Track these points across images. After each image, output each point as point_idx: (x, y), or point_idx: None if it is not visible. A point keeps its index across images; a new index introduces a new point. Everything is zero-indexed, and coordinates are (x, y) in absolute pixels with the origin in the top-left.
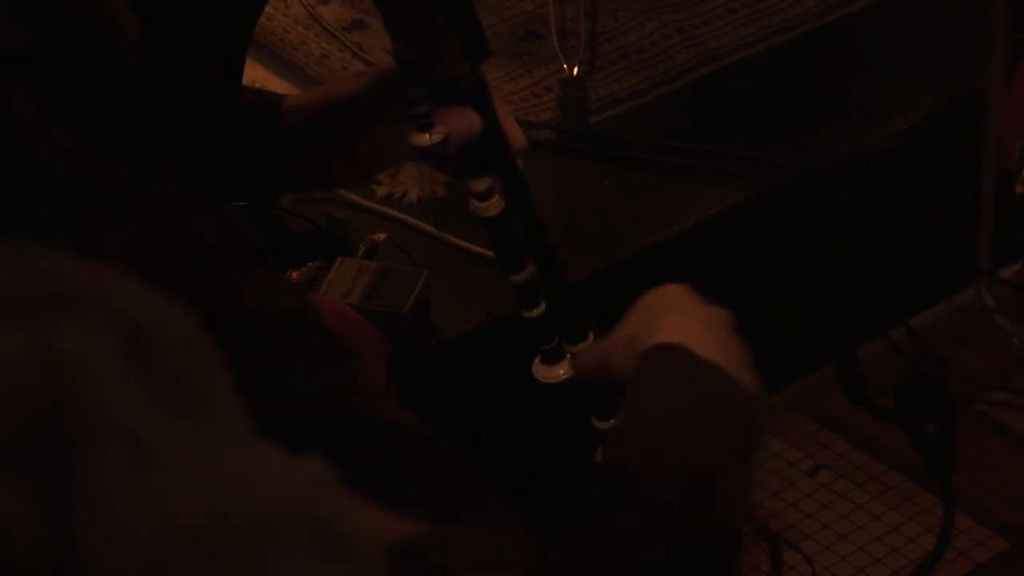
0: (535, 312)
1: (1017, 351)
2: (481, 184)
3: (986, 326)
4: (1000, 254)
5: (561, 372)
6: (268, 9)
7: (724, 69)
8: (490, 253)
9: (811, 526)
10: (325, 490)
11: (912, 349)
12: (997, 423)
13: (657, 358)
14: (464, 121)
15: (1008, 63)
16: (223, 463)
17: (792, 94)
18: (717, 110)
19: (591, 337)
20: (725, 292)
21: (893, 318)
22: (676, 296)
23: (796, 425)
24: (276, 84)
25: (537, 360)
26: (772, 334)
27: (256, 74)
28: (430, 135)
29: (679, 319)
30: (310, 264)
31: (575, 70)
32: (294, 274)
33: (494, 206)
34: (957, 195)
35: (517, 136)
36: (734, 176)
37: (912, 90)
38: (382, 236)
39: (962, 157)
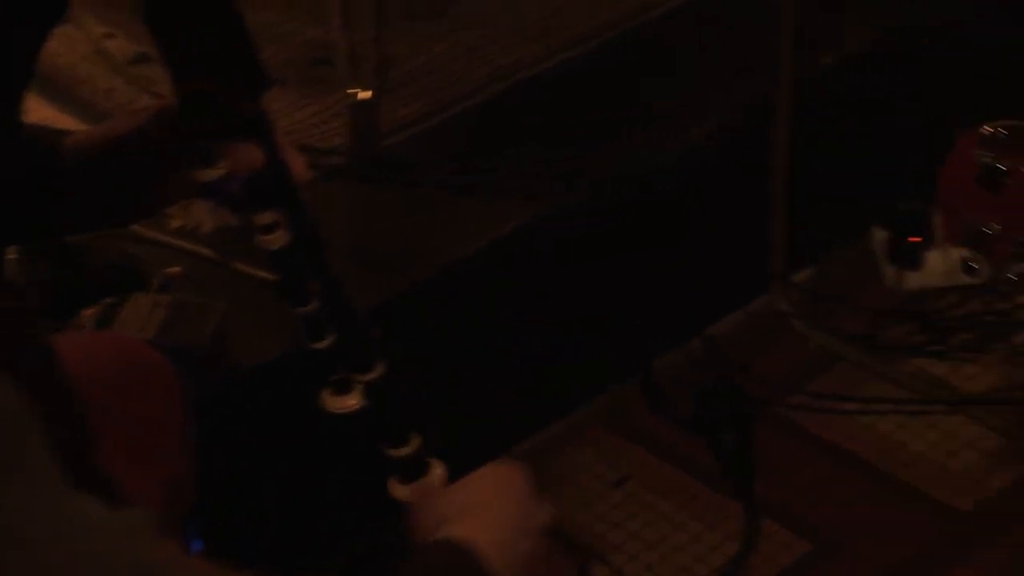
0: (322, 344)
1: (813, 354)
2: (265, 218)
3: (782, 330)
4: (793, 259)
5: (351, 402)
6: (54, 46)
7: (515, 86)
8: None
9: (619, 537)
10: (143, 538)
11: (710, 357)
12: (796, 426)
13: (444, 551)
14: (246, 155)
15: (796, 74)
16: (42, 518)
17: (584, 108)
18: (510, 128)
19: (379, 367)
20: (523, 310)
21: (691, 328)
22: (503, 485)
23: (601, 438)
24: (65, 121)
25: (327, 391)
26: (573, 349)
27: (45, 112)
28: (213, 170)
29: (488, 519)
30: (103, 301)
31: (365, 95)
32: (87, 312)
33: (278, 239)
34: (749, 203)
35: (300, 168)
36: (528, 193)
37: (702, 100)
38: (177, 270)
39: (753, 165)
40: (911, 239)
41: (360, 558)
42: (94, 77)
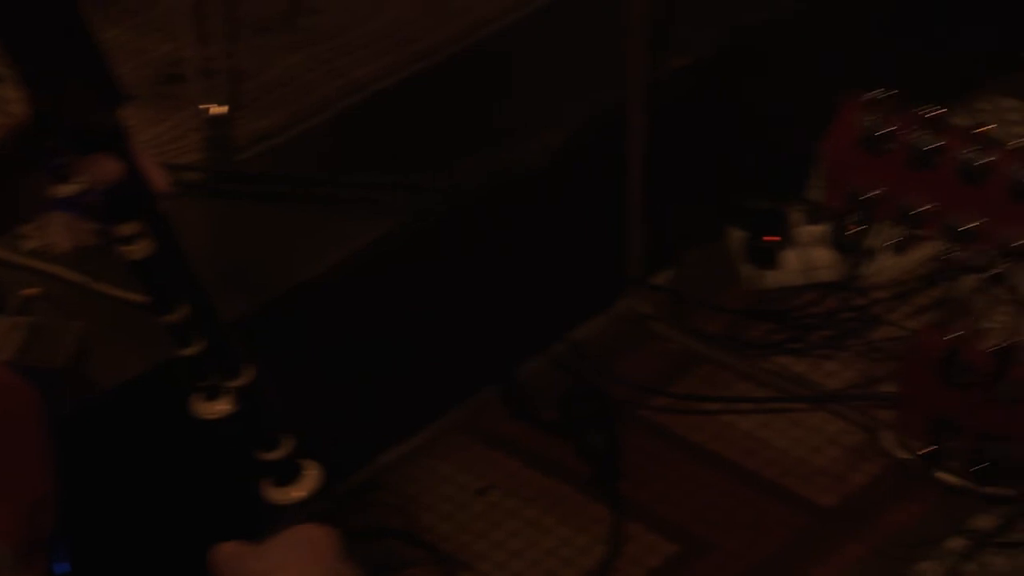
0: (190, 351)
1: (675, 355)
2: (127, 229)
3: (644, 333)
4: (653, 262)
5: (220, 408)
6: None
7: (369, 98)
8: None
9: (484, 546)
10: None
11: (573, 361)
12: (661, 428)
13: None
14: (103, 168)
15: (647, 80)
16: None
17: (438, 119)
18: (366, 139)
19: (248, 372)
20: (383, 320)
21: (553, 333)
22: (309, 548)
23: (464, 447)
24: None
25: (197, 397)
26: (433, 358)
27: None
28: (70, 185)
29: None
30: None
31: (219, 110)
32: None
33: (141, 249)
34: (607, 207)
35: (158, 179)
36: (386, 204)
37: (557, 107)
38: (34, 291)
39: (610, 170)
40: (767, 238)
41: None
42: None
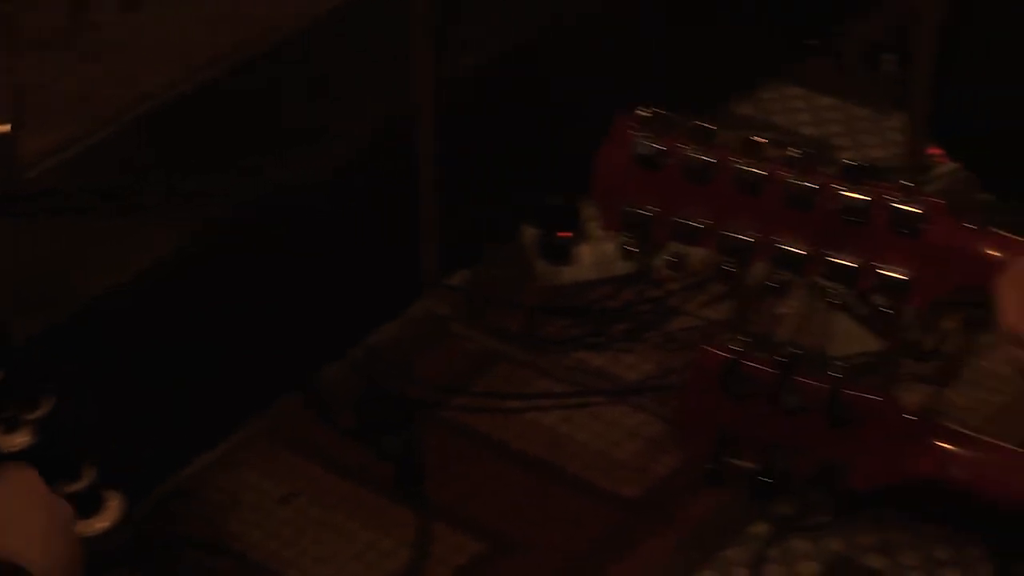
0: None
1: (474, 354)
2: None
3: (442, 334)
4: (449, 262)
5: (19, 440)
6: None
7: (158, 109)
8: None
9: (291, 553)
10: None
11: (373, 365)
12: (463, 427)
13: None
14: None
15: (434, 82)
16: None
17: (230, 127)
18: (157, 149)
19: (47, 403)
20: (184, 329)
21: (353, 336)
22: (21, 491)
23: (268, 454)
24: None
25: None
26: (235, 366)
27: None
28: None
29: (23, 530)
30: None
31: (2, 128)
32: None
33: None
34: (400, 210)
35: None
36: (180, 214)
37: (348, 110)
38: None
39: (402, 173)
40: (561, 234)
41: None
42: None
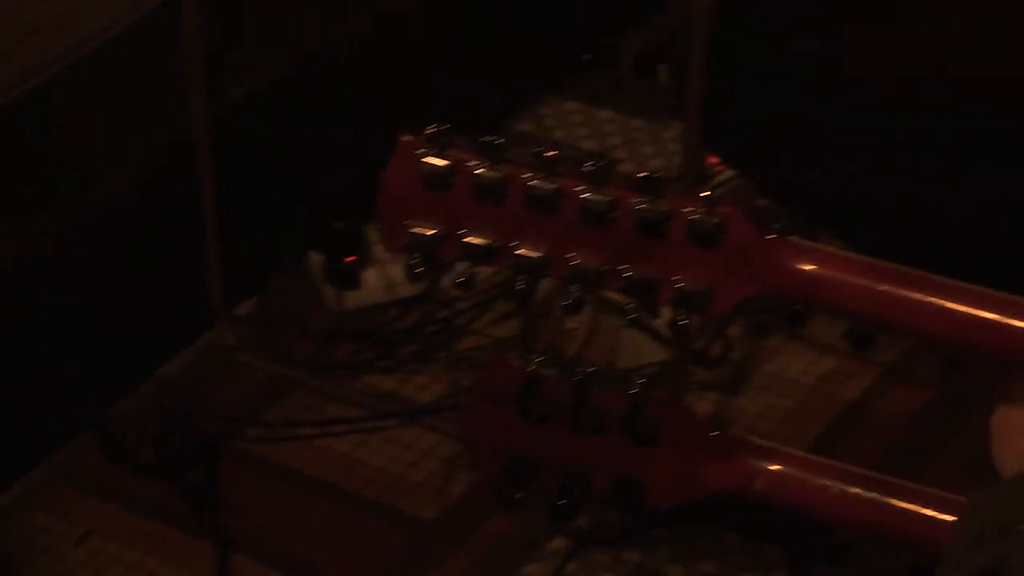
0: None
1: (266, 384)
2: None
3: (233, 364)
4: (236, 292)
5: None
6: None
7: None
8: None
9: None
10: None
11: (164, 399)
12: (259, 458)
13: None
14: None
15: (210, 111)
16: None
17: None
18: None
19: None
20: None
21: (144, 371)
22: None
23: (61, 495)
24: None
25: None
26: (22, 406)
27: None
28: None
29: None
30: None
31: None
32: None
33: None
34: (185, 241)
35: None
36: None
37: (123, 146)
38: None
39: (185, 204)
40: (347, 259)
41: None
42: None
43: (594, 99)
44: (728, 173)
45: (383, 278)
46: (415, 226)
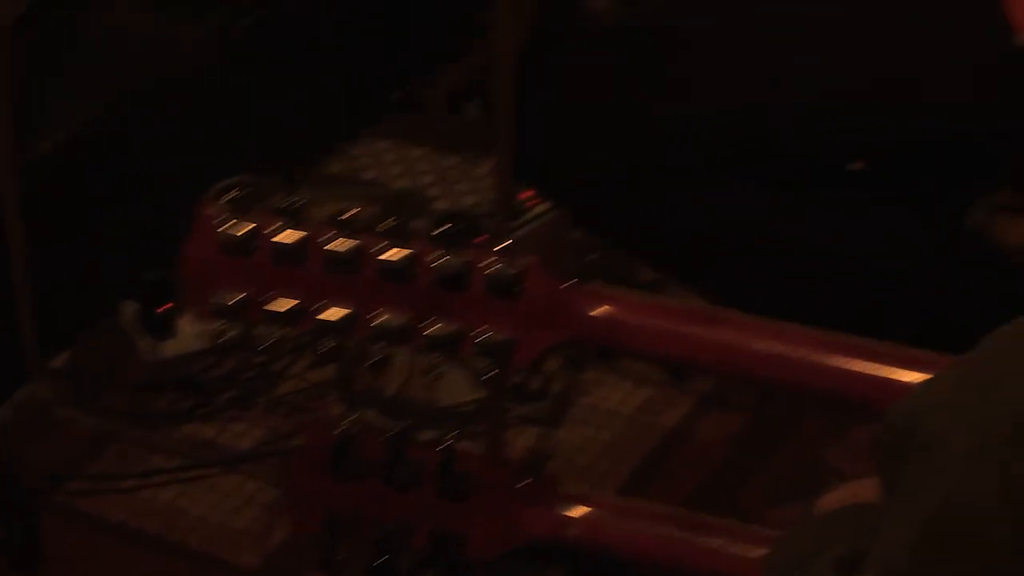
0: None
1: (84, 438)
2: None
3: (51, 418)
4: (51, 345)
5: None
6: None
7: None
8: None
9: None
10: None
11: None
12: (82, 513)
13: None
14: None
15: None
16: None
17: None
18: None
19: None
20: None
21: None
22: None
23: None
24: None
25: None
26: None
27: None
28: None
29: None
30: None
31: None
32: None
33: None
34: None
35: None
36: None
37: None
38: None
39: None
40: (160, 308)
41: None
42: None
43: (406, 138)
44: (542, 206)
45: (198, 326)
46: (219, 293)
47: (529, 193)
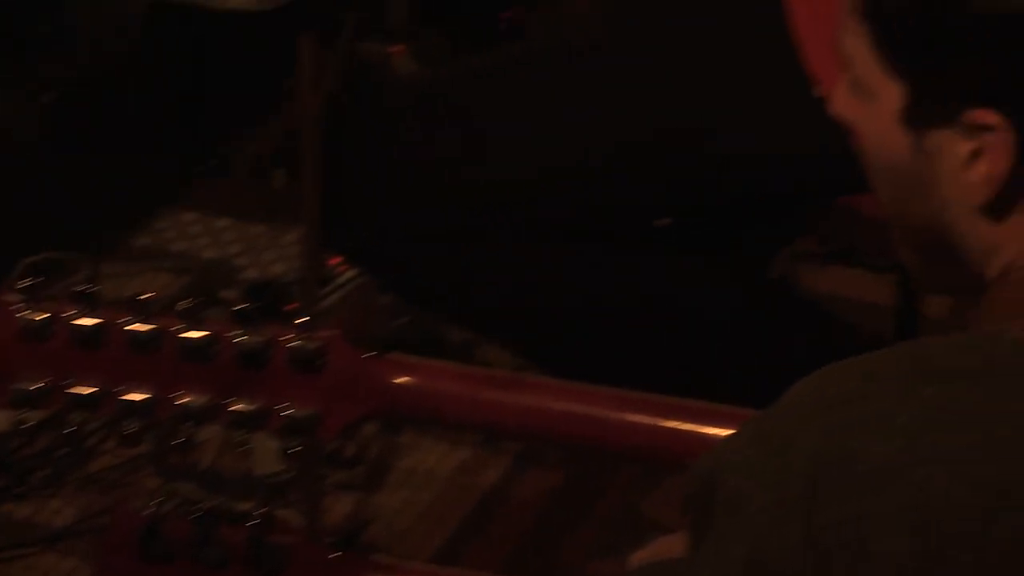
0: None
1: None
2: None
3: None
4: None
5: None
6: None
7: None
8: None
9: None
10: None
11: None
12: None
13: None
14: None
15: None
16: None
17: None
18: None
19: None
20: None
21: None
22: None
23: None
24: None
25: None
26: None
27: None
28: None
29: None
30: None
31: None
32: None
33: None
34: None
35: None
36: None
37: None
38: None
39: None
40: None
41: None
42: None
43: (212, 208)
44: (351, 272)
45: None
46: (18, 381)
47: (337, 259)
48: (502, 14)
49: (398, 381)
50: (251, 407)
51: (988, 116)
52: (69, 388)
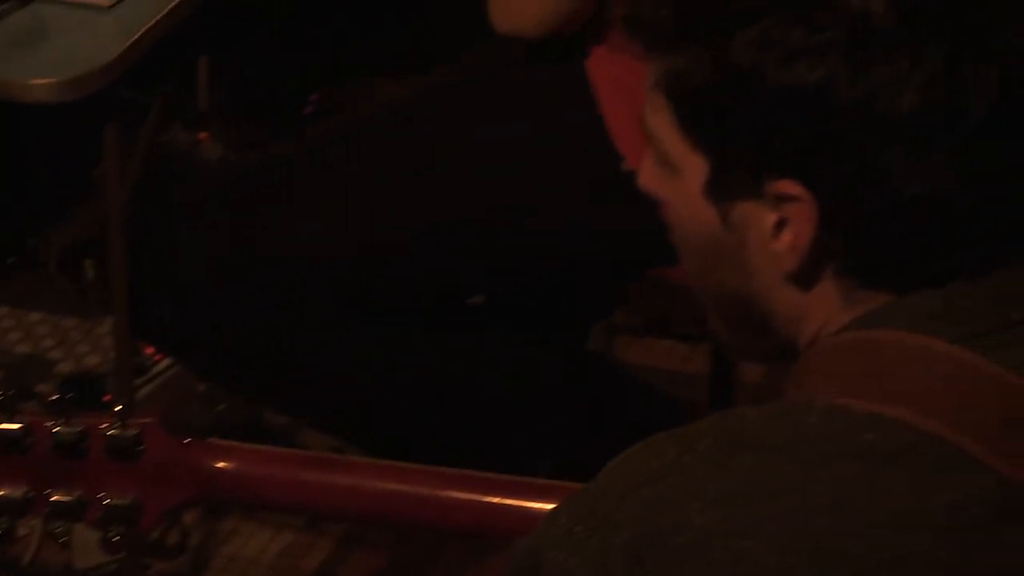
0: None
1: None
2: None
3: None
4: None
5: None
6: None
7: None
8: None
9: None
10: None
11: None
12: None
13: None
14: None
15: None
16: None
17: None
18: None
19: None
20: None
21: None
22: None
23: None
24: None
25: None
26: None
27: None
28: None
29: None
30: None
31: None
32: None
33: None
34: None
35: None
36: None
37: None
38: None
39: None
40: None
41: None
42: None
43: (23, 302)
44: (165, 362)
45: None
46: None
47: (151, 349)
48: (311, 96)
49: (218, 466)
50: (70, 497)
51: (790, 187)
52: None
